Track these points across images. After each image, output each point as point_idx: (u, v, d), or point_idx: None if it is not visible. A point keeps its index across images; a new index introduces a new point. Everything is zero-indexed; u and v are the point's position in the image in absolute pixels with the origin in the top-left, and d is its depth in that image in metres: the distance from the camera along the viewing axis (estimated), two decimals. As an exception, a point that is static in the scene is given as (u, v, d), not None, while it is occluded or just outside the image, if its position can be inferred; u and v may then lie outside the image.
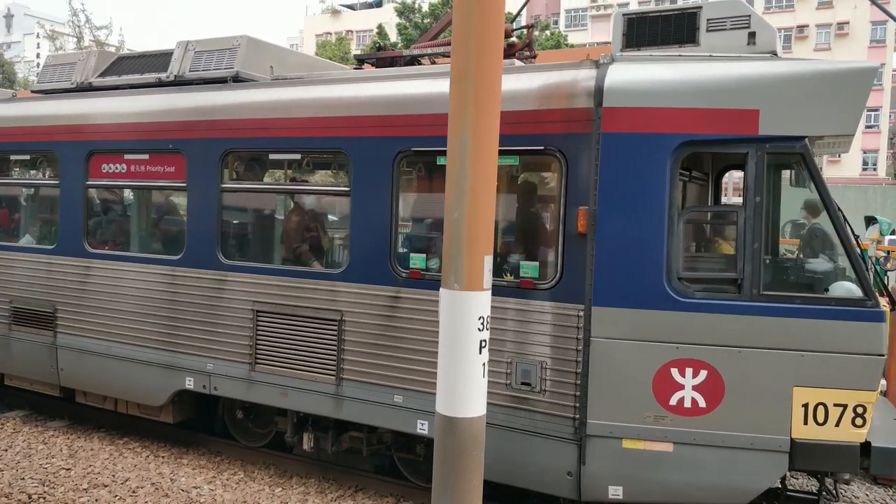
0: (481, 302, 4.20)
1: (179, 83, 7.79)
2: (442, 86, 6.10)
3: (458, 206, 4.14)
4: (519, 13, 7.78)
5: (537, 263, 5.81)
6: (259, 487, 7.15)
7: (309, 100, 6.71)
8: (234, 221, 7.45)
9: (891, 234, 20.13)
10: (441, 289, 4.27)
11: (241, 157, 7.30)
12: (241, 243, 7.56)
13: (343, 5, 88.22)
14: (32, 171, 9.21)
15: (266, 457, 7.73)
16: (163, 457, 7.88)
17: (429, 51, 7.31)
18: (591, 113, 5.54)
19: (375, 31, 51.08)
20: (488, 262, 4.22)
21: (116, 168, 7.87)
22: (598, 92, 5.51)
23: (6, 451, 7.91)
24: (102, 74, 8.47)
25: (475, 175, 4.11)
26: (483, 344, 4.22)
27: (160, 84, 7.91)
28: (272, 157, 7.12)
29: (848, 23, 58.07)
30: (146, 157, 7.68)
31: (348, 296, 6.47)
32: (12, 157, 8.88)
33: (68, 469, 7.41)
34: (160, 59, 8.18)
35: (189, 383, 7.33)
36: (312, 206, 7.29)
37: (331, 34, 77.18)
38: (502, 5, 4.21)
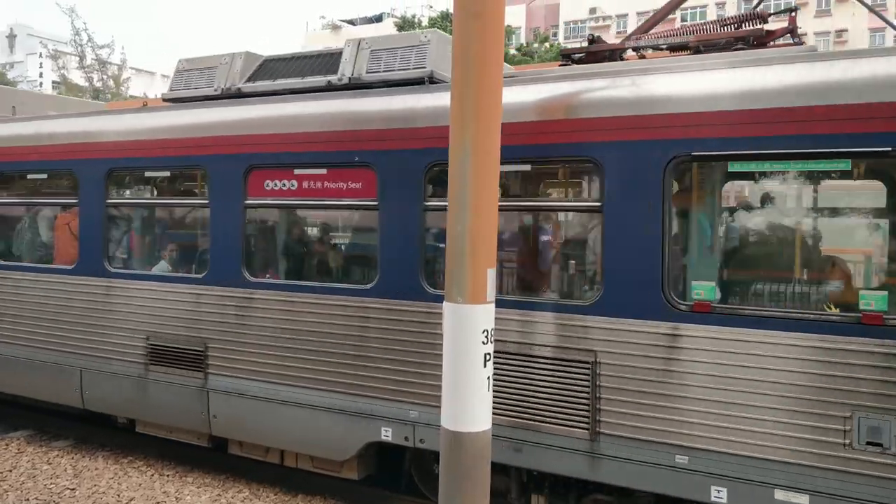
0: (485, 315, 4.11)
1: (355, 86, 6.55)
2: (732, 76, 4.92)
3: (460, 219, 4.08)
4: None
5: (886, 293, 4.58)
6: (265, 506, 6.79)
7: (546, 101, 5.47)
8: (443, 245, 6.17)
9: None
10: (444, 302, 4.15)
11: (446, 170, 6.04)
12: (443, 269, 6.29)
13: (343, 20, 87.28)
14: (169, 189, 7.92)
15: (272, 475, 7.26)
16: (168, 475, 7.51)
17: (657, 42, 6.09)
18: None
19: (377, 45, 49.94)
20: (491, 275, 4.13)
21: (283, 185, 6.60)
22: None
23: (11, 471, 7.58)
24: (250, 79, 7.22)
25: (476, 189, 4.05)
26: (487, 357, 4.11)
27: (330, 88, 6.66)
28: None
29: (846, 30, 57.45)
30: (323, 171, 6.42)
31: (604, 333, 5.23)
32: (147, 174, 7.57)
33: (73, 489, 7.09)
34: (323, 60, 6.94)
35: (385, 434, 6.06)
36: (548, 224, 6.05)
37: (331, 49, 75.97)
38: (501, 22, 4.12)
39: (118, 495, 6.95)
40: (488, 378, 4.13)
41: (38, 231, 8.38)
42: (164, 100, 7.62)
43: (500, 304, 5.58)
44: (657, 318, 5.05)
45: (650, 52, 6.51)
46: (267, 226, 7.11)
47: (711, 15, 64.27)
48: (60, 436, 8.68)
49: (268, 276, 6.89)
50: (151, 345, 7.21)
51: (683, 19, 66.93)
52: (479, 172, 4.08)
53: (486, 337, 4.11)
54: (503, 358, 5.55)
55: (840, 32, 57.33)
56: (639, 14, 72.99)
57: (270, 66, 7.25)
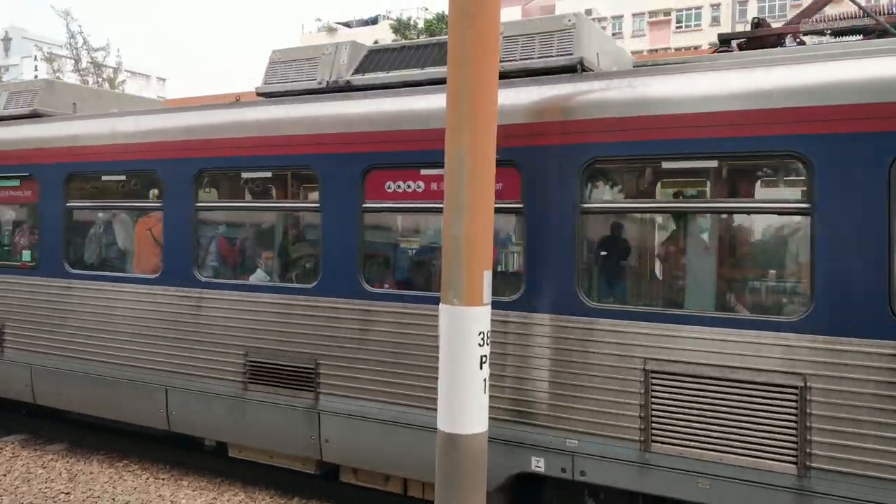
0: (481, 317, 4.06)
1: (487, 76, 5.75)
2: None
3: (456, 221, 4.03)
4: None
5: None
6: (261, 509, 6.61)
7: (740, 90, 4.70)
8: (603, 252, 5.41)
9: None
10: (440, 304, 4.09)
11: (610, 167, 5.29)
12: (616, 283, 5.52)
13: (339, 23, 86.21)
14: (268, 191, 7.09)
15: (267, 477, 7.02)
16: (163, 479, 7.32)
17: (835, 26, 5.36)
18: None
19: (371, 47, 49.57)
20: (487, 276, 4.07)
21: (408, 186, 5.80)
22: None
23: (5, 475, 7.34)
24: (358, 71, 6.42)
25: (473, 191, 4.01)
26: (483, 359, 4.07)
27: (454, 79, 5.86)
28: (666, 165, 5.09)
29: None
30: None
31: (815, 353, 4.48)
32: (243, 175, 6.73)
33: (68, 493, 6.89)
34: (441, 49, 6.16)
35: (537, 465, 5.29)
36: (740, 228, 5.28)
37: (327, 52, 74.96)
38: (497, 22, 4.08)
39: (113, 499, 6.74)
40: (484, 380, 4.07)
41: (114, 237, 7.54)
42: (258, 94, 6.79)
43: (679, 319, 4.84)
44: (884, 337, 4.30)
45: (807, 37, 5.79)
46: (389, 231, 6.33)
47: (706, 17, 63.77)
48: (55, 439, 8.41)
49: (388, 286, 6.09)
50: (251, 361, 6.39)
51: (678, 21, 66.58)
52: (475, 174, 4.00)
53: (483, 339, 4.05)
54: (683, 381, 4.79)
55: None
56: (634, 15, 72.59)
57: (378, 57, 6.47)
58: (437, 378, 5.50)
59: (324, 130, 6.06)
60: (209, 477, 7.26)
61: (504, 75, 5.65)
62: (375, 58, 6.48)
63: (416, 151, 5.71)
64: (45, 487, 7.02)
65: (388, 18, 73.32)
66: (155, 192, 7.16)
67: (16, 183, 7.94)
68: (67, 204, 7.48)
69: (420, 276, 6.28)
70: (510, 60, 5.70)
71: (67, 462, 7.75)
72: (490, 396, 5.34)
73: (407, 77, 6.11)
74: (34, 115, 8.12)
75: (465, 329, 4.02)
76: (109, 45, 61.38)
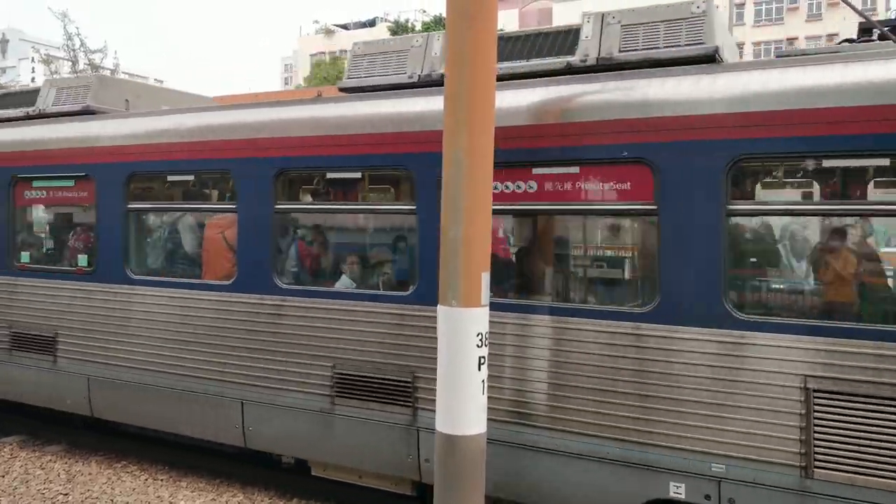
0: (479, 318, 4.02)
1: (604, 68, 5.22)
2: None
3: (454, 224, 3.99)
4: None
5: None
6: (260, 510, 6.50)
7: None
8: (752, 259, 4.87)
9: None
10: (438, 306, 4.09)
11: (760, 165, 4.76)
12: (768, 292, 4.96)
13: (337, 25, 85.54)
14: (355, 192, 6.50)
15: (266, 478, 6.89)
16: (161, 480, 7.16)
17: None
18: None
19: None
20: (485, 278, 4.05)
21: (518, 187, 5.25)
22: None
23: (3, 476, 7.21)
24: (452, 62, 5.84)
25: (471, 193, 3.96)
26: (482, 360, 4.03)
27: (571, 70, 5.32)
28: (827, 163, 4.54)
29: (837, 34, 56.78)
30: (574, 169, 5.08)
31: None
32: (328, 176, 6.14)
33: (66, 494, 6.75)
34: (548, 40, 5.63)
35: (676, 491, 4.74)
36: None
37: (325, 54, 74.81)
38: (494, 23, 4.01)
39: (112, 500, 6.63)
40: (483, 381, 4.05)
41: (181, 241, 6.94)
42: (341, 90, 6.22)
43: (849, 333, 4.29)
44: None
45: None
46: (497, 235, 5.74)
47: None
48: (53, 440, 8.24)
49: (494, 294, 5.52)
50: (339, 374, 5.82)
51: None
52: (473, 175, 3.95)
53: (481, 340, 4.03)
54: (854, 401, 4.25)
55: (831, 36, 56.69)
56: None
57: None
58: (557, 395, 5.03)
59: (421, 128, 5.50)
60: (208, 478, 7.11)
61: (624, 66, 5.15)
62: (470, 49, 5.90)
63: (528, 149, 5.16)
64: (44, 488, 6.88)
65: (385, 21, 72.69)
66: (228, 192, 6.57)
67: (70, 183, 7.34)
68: (129, 206, 6.88)
69: (537, 284, 5.71)
70: (631, 50, 5.15)
71: (66, 463, 7.58)
72: (617, 416, 4.85)
73: (511, 69, 5.54)
74: (86, 112, 7.51)
75: (464, 330, 3.97)
76: (107, 46, 60.23)
